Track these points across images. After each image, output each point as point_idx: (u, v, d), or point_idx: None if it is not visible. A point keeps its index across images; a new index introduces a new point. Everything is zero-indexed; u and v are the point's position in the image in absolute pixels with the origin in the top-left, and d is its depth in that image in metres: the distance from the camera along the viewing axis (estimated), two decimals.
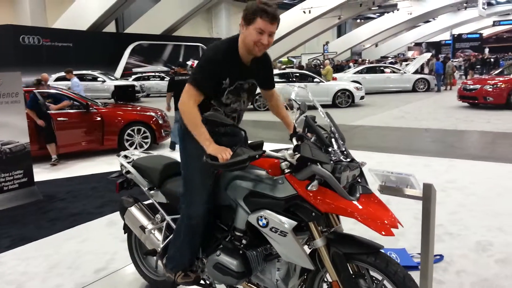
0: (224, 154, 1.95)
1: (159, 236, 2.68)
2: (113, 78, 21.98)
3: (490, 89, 12.68)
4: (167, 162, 2.74)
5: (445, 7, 42.26)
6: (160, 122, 8.38)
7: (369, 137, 9.23)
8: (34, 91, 6.97)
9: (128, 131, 8.04)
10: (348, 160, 1.98)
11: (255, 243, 2.16)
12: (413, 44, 52.61)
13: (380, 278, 1.95)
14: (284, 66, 25.13)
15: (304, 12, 32.08)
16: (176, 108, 8.52)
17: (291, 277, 2.16)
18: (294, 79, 15.55)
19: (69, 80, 11.26)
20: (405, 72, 19.96)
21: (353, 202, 1.86)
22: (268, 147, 2.04)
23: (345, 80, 17.61)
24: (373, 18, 51.89)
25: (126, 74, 26.19)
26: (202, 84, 2.16)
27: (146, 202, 2.93)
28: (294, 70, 17.92)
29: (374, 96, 17.72)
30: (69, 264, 3.52)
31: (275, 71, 17.10)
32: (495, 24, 50.46)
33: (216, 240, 2.33)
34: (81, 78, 20.62)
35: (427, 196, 2.39)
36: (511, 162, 6.37)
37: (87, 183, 6.12)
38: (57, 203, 5.23)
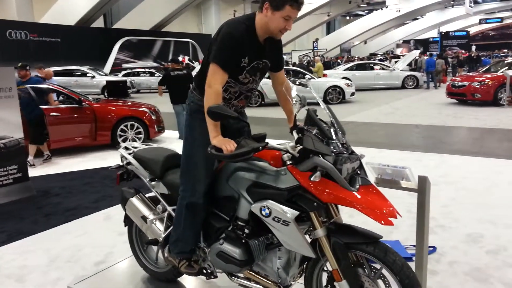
0: (228, 145, 2.00)
1: (160, 226, 2.72)
2: (102, 73, 21.84)
3: (478, 86, 12.88)
4: (168, 153, 2.78)
5: (432, 5, 42.71)
6: (153, 117, 8.38)
7: (360, 133, 9.34)
8: (27, 86, 6.90)
9: (121, 126, 8.03)
10: (349, 152, 2.04)
11: (257, 233, 2.21)
12: (402, 41, 53.01)
13: (378, 267, 2.02)
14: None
15: None
16: (175, 103, 8.56)
17: (292, 266, 2.21)
18: (286, 75, 15.61)
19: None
20: (394, 69, 20.17)
21: (354, 192, 1.92)
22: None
23: (335, 77, 17.73)
24: (362, 15, 52.24)
25: (115, 69, 26.00)
26: (227, 63, 2.16)
27: (147, 195, 2.97)
28: (288, 67, 17.98)
29: (364, 93, 17.87)
30: (68, 257, 3.54)
31: None
32: (481, 22, 51.13)
33: (217, 230, 2.38)
34: (70, 73, 20.54)
35: (422, 188, 2.47)
36: (499, 157, 6.53)
37: (81, 179, 6.11)
38: (52, 198, 5.23)
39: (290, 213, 2.01)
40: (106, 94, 19.01)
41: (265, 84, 11.00)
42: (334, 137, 2.06)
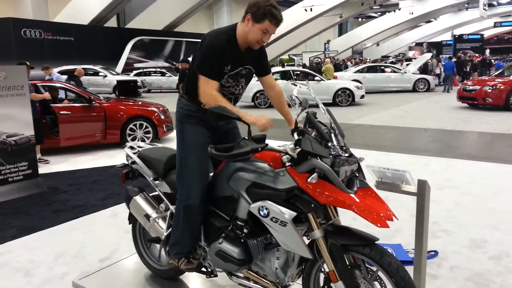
0: (262, 120, 2.24)
1: (163, 224, 2.77)
2: (114, 73, 22.04)
3: (490, 90, 12.76)
4: (171, 153, 2.83)
5: (446, 8, 42.24)
6: (162, 117, 8.47)
7: (367, 135, 9.32)
8: (37, 84, 7.02)
9: (131, 125, 8.13)
10: (347, 155, 2.07)
11: (256, 233, 2.25)
12: (414, 44, 52.57)
13: (375, 269, 2.04)
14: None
15: (305, 10, 32.06)
16: None
17: (290, 266, 2.24)
18: (295, 77, 15.63)
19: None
20: (405, 72, 20.05)
21: (351, 195, 1.95)
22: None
23: (345, 79, 17.68)
24: (375, 17, 51.88)
25: (127, 69, 26.25)
26: (212, 73, 2.33)
27: (151, 194, 3.02)
28: (295, 68, 17.98)
29: (374, 96, 17.80)
30: (74, 253, 3.62)
31: (279, 69, 17.16)
32: (496, 25, 50.44)
33: (217, 229, 2.42)
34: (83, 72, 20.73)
35: (422, 192, 2.48)
36: (508, 163, 6.47)
37: (89, 177, 6.21)
38: (61, 195, 5.32)
39: (287, 213, 2.04)
40: (117, 93, 19.20)
41: None
42: (333, 139, 2.09)
